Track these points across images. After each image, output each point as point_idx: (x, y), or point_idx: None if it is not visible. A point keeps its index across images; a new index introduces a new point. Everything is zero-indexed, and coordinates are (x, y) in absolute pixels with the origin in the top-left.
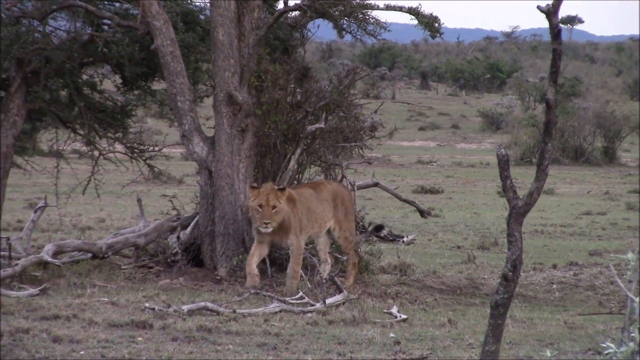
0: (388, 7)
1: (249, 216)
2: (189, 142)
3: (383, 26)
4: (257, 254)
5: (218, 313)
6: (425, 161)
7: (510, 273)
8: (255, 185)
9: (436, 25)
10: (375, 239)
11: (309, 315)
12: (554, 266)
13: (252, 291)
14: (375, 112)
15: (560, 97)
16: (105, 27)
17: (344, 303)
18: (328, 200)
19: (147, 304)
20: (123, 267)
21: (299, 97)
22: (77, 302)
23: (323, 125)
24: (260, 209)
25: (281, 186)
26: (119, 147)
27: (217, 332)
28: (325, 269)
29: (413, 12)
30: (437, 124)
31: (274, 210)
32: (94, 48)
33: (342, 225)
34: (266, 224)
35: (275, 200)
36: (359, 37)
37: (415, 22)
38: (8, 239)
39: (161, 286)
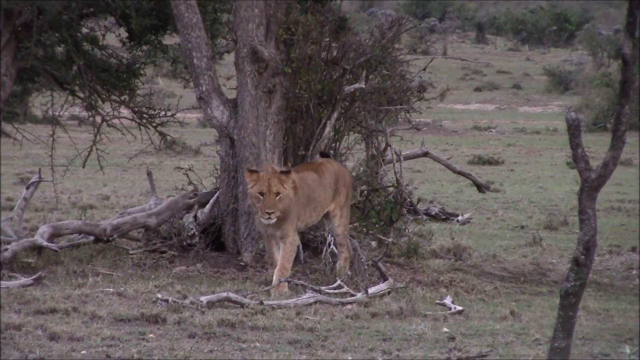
0: None
1: (248, 205)
2: (206, 105)
3: None
4: (274, 244)
5: (242, 305)
6: (482, 127)
7: (583, 257)
8: (254, 168)
9: None
10: (425, 218)
11: (349, 307)
12: (633, 249)
13: (282, 280)
14: (424, 70)
15: (638, 52)
16: None
17: (389, 293)
18: (330, 184)
19: (159, 295)
20: (131, 252)
21: (334, 53)
22: (78, 293)
23: (363, 86)
24: (261, 197)
25: (284, 169)
26: (125, 112)
27: (241, 327)
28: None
29: None
30: (496, 84)
31: (277, 198)
32: None
33: (342, 212)
34: (269, 214)
35: (279, 185)
36: None
37: None
38: None
39: (176, 274)
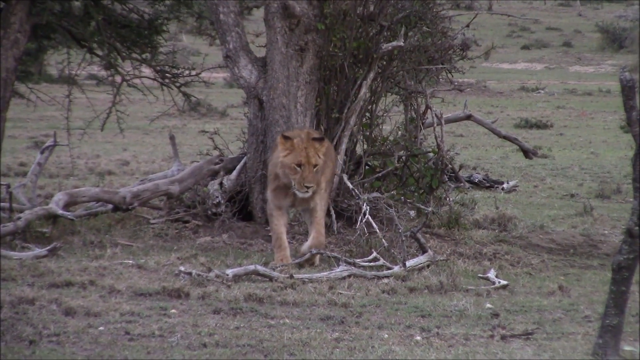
0: None
1: (277, 173)
2: (234, 64)
3: None
4: (283, 224)
5: (271, 279)
6: (530, 88)
7: (637, 228)
8: (288, 135)
9: None
10: (468, 185)
11: (385, 281)
12: None
13: (314, 251)
14: (468, 26)
15: None
16: None
17: (428, 266)
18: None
19: (182, 268)
20: (152, 221)
21: (371, 8)
22: (95, 266)
23: (402, 43)
24: (298, 169)
25: (317, 135)
26: (146, 71)
27: (269, 302)
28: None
29: None
30: (545, 42)
31: (315, 169)
32: None
33: (327, 188)
34: (307, 188)
35: (316, 156)
36: None
37: None
38: (8, 186)
39: (200, 245)
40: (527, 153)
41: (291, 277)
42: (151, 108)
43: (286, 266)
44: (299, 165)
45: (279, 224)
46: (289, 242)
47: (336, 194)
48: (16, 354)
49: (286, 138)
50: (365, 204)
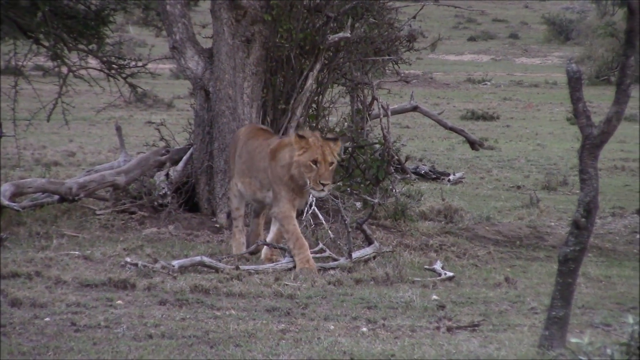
0: None
1: (291, 174)
2: (180, 55)
3: None
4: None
5: (217, 270)
6: (476, 80)
7: (583, 219)
8: (302, 134)
9: None
10: (414, 177)
11: (331, 272)
12: (638, 211)
13: (260, 242)
14: (414, 17)
15: None
16: None
17: (374, 257)
18: None
19: (128, 259)
20: (98, 212)
21: None
22: (41, 257)
23: (349, 35)
24: (315, 166)
25: (332, 136)
26: (93, 62)
27: (215, 293)
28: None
29: None
30: (492, 33)
31: (330, 168)
32: None
33: None
34: (324, 185)
35: (332, 154)
36: None
37: None
38: None
39: (146, 236)
40: (473, 145)
41: (237, 268)
42: (97, 99)
43: (311, 270)
44: (315, 163)
45: (297, 225)
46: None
47: None
48: None
49: (301, 137)
50: (310, 197)
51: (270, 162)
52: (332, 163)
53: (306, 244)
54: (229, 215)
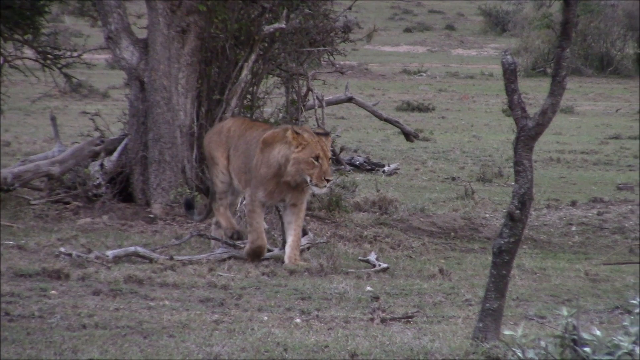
0: None
1: (288, 170)
2: (115, 46)
3: None
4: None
5: (151, 260)
6: (412, 71)
7: (518, 211)
8: (297, 130)
9: None
10: (349, 168)
11: (265, 263)
12: (573, 203)
13: (194, 233)
14: (350, 8)
15: None
16: None
17: (308, 248)
18: None
19: (62, 249)
20: (33, 202)
21: None
22: None
23: (284, 25)
24: (317, 163)
25: (321, 130)
26: (28, 52)
27: (149, 284)
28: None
29: None
30: (428, 25)
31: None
32: None
33: None
34: (328, 181)
35: (328, 149)
36: None
37: None
38: None
39: (80, 226)
40: (408, 136)
41: (171, 258)
42: (33, 89)
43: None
44: (317, 159)
45: (261, 222)
46: (170, 224)
47: None
48: None
49: (297, 133)
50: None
51: (259, 153)
52: (330, 158)
53: (264, 243)
54: (188, 206)
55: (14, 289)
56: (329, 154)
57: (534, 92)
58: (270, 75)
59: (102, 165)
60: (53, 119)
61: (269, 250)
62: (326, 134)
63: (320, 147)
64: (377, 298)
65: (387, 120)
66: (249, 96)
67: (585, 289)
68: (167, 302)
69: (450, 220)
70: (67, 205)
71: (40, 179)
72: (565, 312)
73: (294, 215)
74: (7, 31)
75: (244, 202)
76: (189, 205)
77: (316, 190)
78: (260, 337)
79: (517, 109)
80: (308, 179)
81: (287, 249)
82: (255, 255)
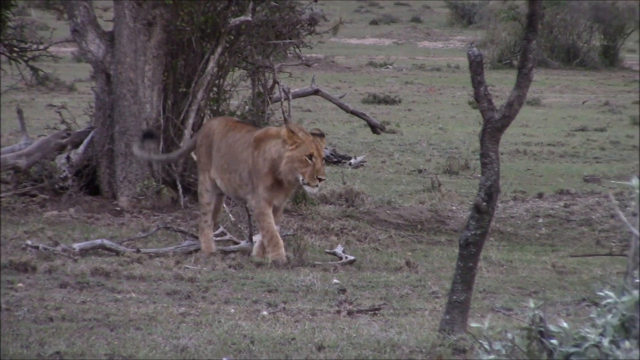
0: None
1: (272, 168)
2: (82, 38)
3: None
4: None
5: (118, 253)
6: (378, 63)
7: (485, 203)
8: (292, 128)
9: None
10: None
11: (232, 255)
12: (540, 195)
13: (161, 226)
14: (316, 1)
15: None
16: None
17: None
18: None
19: (29, 242)
20: None
21: None
22: None
23: (250, 18)
24: (310, 161)
25: (316, 131)
26: None
27: (116, 276)
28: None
29: None
30: (394, 17)
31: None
32: None
33: None
34: (320, 180)
35: (322, 149)
36: None
37: None
38: None
39: (47, 219)
40: (374, 128)
41: (138, 251)
42: None
43: (282, 264)
44: (311, 157)
45: (272, 222)
46: (137, 217)
47: (183, 168)
48: None
49: (292, 132)
50: None
51: (253, 152)
52: (324, 158)
53: (281, 241)
54: (147, 135)
55: None
56: (323, 154)
57: (501, 84)
58: (237, 68)
59: (68, 158)
60: (19, 112)
61: (235, 243)
62: (321, 135)
63: (315, 146)
64: (344, 290)
65: (353, 112)
66: (215, 89)
67: (552, 281)
68: (133, 295)
69: (417, 212)
70: (34, 198)
71: (7, 172)
72: (532, 304)
73: (275, 217)
74: None
75: (248, 207)
76: (150, 135)
77: (308, 189)
78: (227, 330)
79: (484, 101)
80: (300, 178)
81: (257, 244)
82: (278, 258)
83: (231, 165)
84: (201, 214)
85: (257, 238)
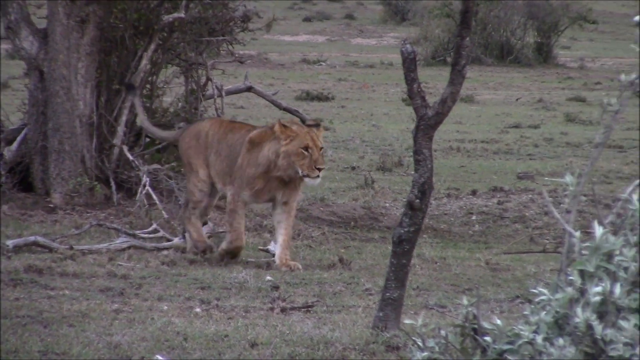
0: None
1: (279, 164)
2: (15, 35)
3: None
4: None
5: (51, 250)
6: (311, 60)
7: (418, 200)
8: (285, 123)
9: None
10: None
11: (165, 253)
12: (474, 192)
13: (94, 223)
14: None
15: None
16: None
17: (209, 237)
18: None
19: None
20: None
21: None
22: None
23: (183, 15)
24: (307, 153)
25: (312, 122)
26: None
27: (49, 273)
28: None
29: None
30: (327, 14)
31: (321, 152)
32: None
33: None
34: (319, 170)
35: (319, 139)
36: None
37: None
38: None
39: None
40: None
41: (71, 248)
42: None
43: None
44: (307, 149)
45: (242, 223)
46: (70, 214)
47: (116, 165)
48: None
49: (285, 126)
50: (145, 176)
51: (245, 152)
52: (321, 148)
53: (243, 244)
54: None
55: None
56: (320, 144)
57: (434, 81)
58: (170, 65)
59: (1, 155)
60: None
61: (168, 240)
62: (317, 125)
63: (310, 137)
64: (277, 287)
65: (286, 109)
66: (148, 86)
67: (485, 278)
68: (67, 292)
69: (350, 209)
70: None
71: None
72: (465, 301)
73: (285, 213)
74: None
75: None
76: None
77: (309, 181)
78: (160, 327)
79: (417, 98)
80: (300, 171)
81: (278, 249)
82: (233, 254)
83: (232, 169)
84: (190, 208)
85: (271, 247)
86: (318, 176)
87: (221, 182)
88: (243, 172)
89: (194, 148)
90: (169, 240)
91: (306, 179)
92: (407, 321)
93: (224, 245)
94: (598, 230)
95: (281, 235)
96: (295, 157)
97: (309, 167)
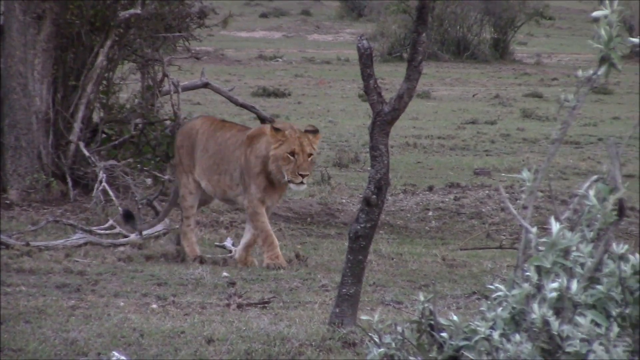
0: None
1: (263, 167)
2: None
3: None
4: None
5: (7, 246)
6: (268, 56)
7: (374, 196)
8: (278, 126)
9: None
10: None
11: (121, 249)
12: (430, 188)
13: (50, 219)
14: None
15: None
16: None
17: (165, 234)
18: None
19: None
20: None
21: None
22: None
23: (139, 11)
24: (292, 158)
25: (311, 127)
26: None
27: (6, 269)
28: None
29: None
30: (283, 10)
31: (309, 160)
32: None
33: None
34: (303, 176)
35: (310, 146)
36: None
37: None
38: None
39: None
40: (264, 121)
41: (27, 244)
42: None
43: (281, 266)
44: (293, 154)
45: (266, 221)
46: (27, 210)
47: (73, 161)
48: None
49: (277, 130)
50: (101, 172)
51: (246, 150)
52: (310, 154)
53: (276, 241)
54: (127, 216)
55: None
56: (309, 151)
57: (391, 77)
58: (126, 61)
59: None
60: None
61: (125, 236)
62: (315, 131)
63: (298, 143)
64: (233, 284)
65: (243, 105)
66: (104, 82)
67: (442, 274)
68: (23, 288)
69: (306, 205)
70: None
71: None
72: (422, 297)
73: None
74: None
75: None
76: (129, 216)
77: (293, 187)
78: (117, 323)
79: (373, 94)
80: (285, 176)
81: (241, 245)
82: (278, 262)
83: (221, 166)
84: (184, 218)
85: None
86: (302, 182)
87: (206, 180)
88: (249, 170)
89: (185, 147)
90: (125, 236)
91: (291, 185)
92: (363, 317)
93: (265, 260)
94: (555, 226)
95: (250, 234)
96: (281, 162)
97: (293, 172)
